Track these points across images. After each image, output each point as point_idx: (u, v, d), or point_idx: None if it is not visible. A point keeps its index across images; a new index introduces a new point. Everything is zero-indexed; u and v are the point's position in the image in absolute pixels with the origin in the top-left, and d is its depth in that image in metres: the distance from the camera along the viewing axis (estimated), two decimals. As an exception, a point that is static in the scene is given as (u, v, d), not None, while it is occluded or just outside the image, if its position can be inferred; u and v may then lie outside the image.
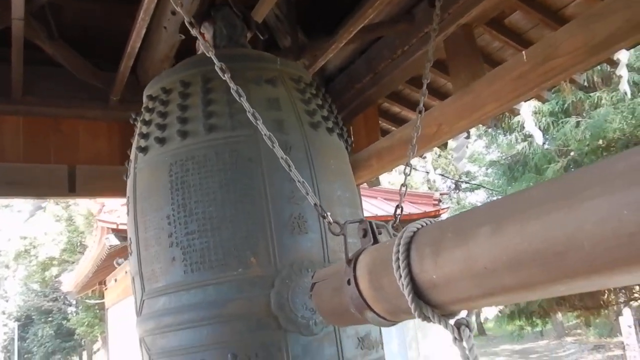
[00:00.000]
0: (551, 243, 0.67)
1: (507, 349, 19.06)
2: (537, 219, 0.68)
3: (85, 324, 28.58)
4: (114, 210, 10.26)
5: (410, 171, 1.40)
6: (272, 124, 1.57)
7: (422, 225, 1.03)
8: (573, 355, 14.93)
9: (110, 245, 10.36)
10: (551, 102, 4.21)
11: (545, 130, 4.45)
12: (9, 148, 2.67)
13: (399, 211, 1.30)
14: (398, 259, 0.99)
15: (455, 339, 0.96)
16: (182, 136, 1.54)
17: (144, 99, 1.79)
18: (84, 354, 35.79)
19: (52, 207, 28.06)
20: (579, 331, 18.02)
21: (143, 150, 1.61)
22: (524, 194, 0.73)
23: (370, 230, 1.16)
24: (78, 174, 2.74)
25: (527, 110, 2.46)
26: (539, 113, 4.43)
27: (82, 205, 25.25)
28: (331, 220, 1.17)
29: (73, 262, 26.50)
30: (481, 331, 25.42)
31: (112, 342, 17.14)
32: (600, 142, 3.77)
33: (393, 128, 3.33)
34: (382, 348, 1.66)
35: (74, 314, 31.56)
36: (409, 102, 3.29)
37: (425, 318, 0.98)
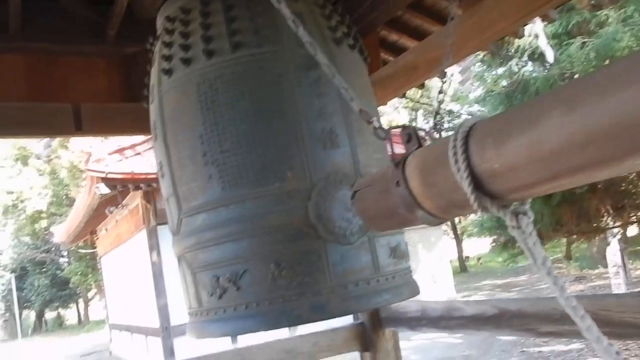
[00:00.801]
0: (632, 116, 0.71)
1: (489, 284, 19.75)
2: (619, 92, 0.72)
3: (79, 273, 28.94)
4: (102, 159, 10.19)
5: (446, 78, 1.43)
6: (297, 40, 1.58)
7: (477, 120, 1.08)
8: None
9: (100, 194, 10.36)
10: (554, 24, 4.18)
11: (547, 54, 4.45)
12: (11, 87, 2.63)
13: (437, 117, 1.34)
14: (455, 152, 1.04)
15: (513, 227, 1.01)
16: (207, 55, 1.54)
17: (160, 22, 1.77)
18: (80, 301, 36.47)
19: (35, 161, 27.76)
20: (560, 265, 18.65)
21: (167, 72, 1.61)
22: (602, 72, 0.77)
23: (415, 135, 1.21)
24: (83, 111, 2.72)
25: (540, 27, 2.46)
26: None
27: (64, 158, 25.05)
28: (377, 125, 1.20)
29: (61, 215, 26.54)
30: (463, 268, 26.24)
31: (108, 289, 17.42)
32: (607, 62, 3.77)
33: (391, 58, 3.31)
34: (409, 260, 1.73)
35: (67, 264, 31.92)
36: (409, 29, 3.26)
37: (484, 209, 1.03)
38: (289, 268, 1.44)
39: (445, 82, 1.48)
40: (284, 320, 1.45)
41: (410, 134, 1.20)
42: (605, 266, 15.66)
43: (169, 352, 10.55)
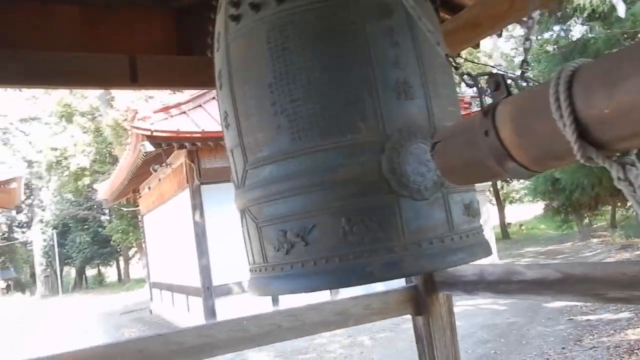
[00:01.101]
0: None
1: (532, 251, 19.49)
2: None
3: (120, 231, 29.81)
4: (147, 117, 10.31)
5: (533, 24, 1.33)
6: (372, -15, 1.49)
7: (580, 64, 0.99)
8: (600, 255, 15.21)
9: (145, 152, 10.52)
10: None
11: (608, 14, 4.20)
12: (67, 38, 2.62)
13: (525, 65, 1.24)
14: (558, 97, 0.95)
15: (619, 178, 0.93)
16: (278, 0, 1.46)
17: None
18: (121, 259, 37.68)
19: (79, 119, 28.41)
20: (604, 233, 18.23)
21: (235, 18, 1.54)
22: None
23: (504, 82, 1.12)
24: (139, 63, 2.69)
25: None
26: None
27: (109, 116, 25.52)
28: (464, 72, 1.12)
29: (104, 172, 27.23)
30: (505, 235, 25.95)
31: (149, 247, 17.91)
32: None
33: (447, 16, 3.15)
34: (480, 219, 1.66)
35: (109, 222, 32.90)
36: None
37: (588, 159, 0.95)
38: (361, 223, 1.39)
39: (530, 29, 1.37)
40: (354, 277, 1.40)
41: (498, 82, 1.11)
42: (654, 234, 15.24)
43: (210, 312, 10.82)
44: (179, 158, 11.70)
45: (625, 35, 4.01)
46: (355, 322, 3.12)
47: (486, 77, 1.14)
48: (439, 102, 1.51)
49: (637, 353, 6.15)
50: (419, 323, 3.24)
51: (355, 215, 1.39)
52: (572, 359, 6.40)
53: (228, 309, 11.02)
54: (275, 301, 11.55)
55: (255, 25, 1.50)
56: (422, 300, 3.15)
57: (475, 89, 1.16)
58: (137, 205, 19.87)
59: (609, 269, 2.35)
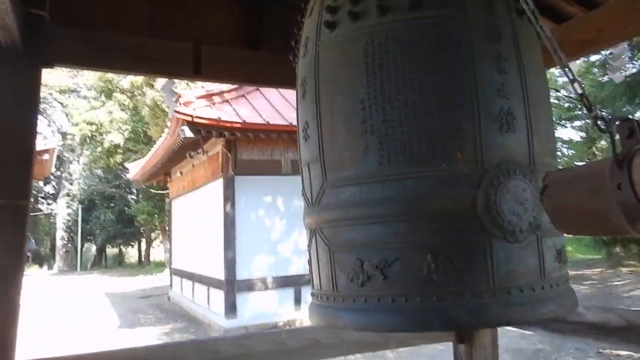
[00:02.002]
0: None
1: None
2: None
3: (146, 212, 30.08)
4: (190, 102, 10.33)
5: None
6: (482, 5, 1.37)
7: None
8: (629, 285, 14.78)
9: (184, 137, 10.54)
10: None
11: None
12: (132, 20, 2.56)
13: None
14: None
15: None
16: (380, 11, 1.36)
17: None
18: (143, 241, 37.99)
19: (118, 95, 28.75)
20: (633, 263, 17.72)
21: (330, 25, 1.44)
22: None
23: (638, 130, 1.00)
24: (203, 54, 2.62)
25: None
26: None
27: (148, 96, 25.79)
28: (599, 115, 1.00)
29: (137, 152, 27.53)
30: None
31: (174, 233, 18.02)
32: None
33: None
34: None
35: (135, 202, 33.25)
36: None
37: None
38: (448, 262, 1.27)
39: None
40: (435, 321, 1.29)
41: (632, 128, 0.99)
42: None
43: (231, 307, 10.78)
44: (216, 146, 11.70)
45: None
46: (396, 345, 3.01)
47: (618, 121, 1.02)
48: (539, 138, 1.39)
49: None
50: (461, 351, 3.12)
51: (443, 253, 1.28)
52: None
53: (249, 305, 11.01)
54: (297, 304, 11.51)
55: (352, 35, 1.40)
56: (467, 328, 3.02)
57: (605, 134, 1.04)
58: (167, 189, 20.03)
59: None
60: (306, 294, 11.66)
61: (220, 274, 11.12)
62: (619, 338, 2.37)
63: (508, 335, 9.27)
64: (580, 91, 1.00)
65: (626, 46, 2.45)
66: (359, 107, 1.36)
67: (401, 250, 1.31)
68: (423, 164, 1.30)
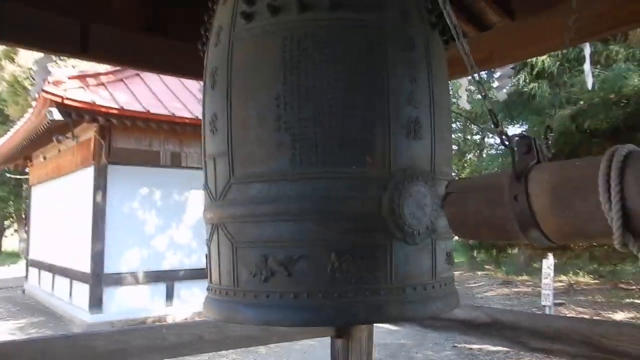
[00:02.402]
0: None
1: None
2: None
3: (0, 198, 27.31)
4: (60, 82, 9.58)
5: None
6: (399, 15, 1.43)
7: (632, 149, 0.99)
8: (484, 287, 16.18)
9: (51, 119, 9.77)
10: (570, 50, 4.20)
11: (558, 76, 4.48)
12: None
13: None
14: (609, 182, 0.94)
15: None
16: (301, 8, 1.36)
17: None
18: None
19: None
20: (489, 267, 19.41)
21: (247, 17, 1.41)
22: None
23: (535, 147, 1.10)
24: (92, 32, 2.46)
25: (588, 51, 2.43)
26: (554, 57, 4.42)
27: (7, 70, 23.50)
28: (503, 130, 1.09)
29: (-8, 131, 24.96)
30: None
31: (34, 221, 16.62)
32: (612, 95, 3.82)
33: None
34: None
35: (-13, 186, 30.11)
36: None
37: (624, 246, 0.95)
38: (351, 261, 1.31)
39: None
40: (336, 317, 1.32)
41: (530, 145, 1.09)
42: (529, 274, 16.47)
43: (97, 301, 10.18)
44: (88, 132, 10.98)
45: (571, 99, 4.31)
46: (279, 339, 3.04)
47: (517, 138, 1.12)
48: (441, 146, 1.47)
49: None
50: (338, 346, 3.22)
51: (347, 252, 1.31)
52: (456, 389, 6.68)
53: (117, 300, 10.47)
54: (169, 299, 11.15)
55: (271, 29, 1.39)
56: (363, 324, 3.13)
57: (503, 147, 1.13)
58: (26, 174, 18.43)
59: (537, 320, 2.44)
60: (179, 289, 11.34)
61: (85, 266, 10.45)
62: (483, 333, 2.59)
63: (376, 331, 9.73)
64: (490, 107, 1.08)
65: (511, 68, 2.69)
66: (274, 104, 1.36)
67: (307, 248, 1.33)
68: (334, 165, 1.33)
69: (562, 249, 5.59)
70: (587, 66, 2.50)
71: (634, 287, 13.07)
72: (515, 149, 1.07)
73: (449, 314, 2.72)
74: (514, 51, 2.48)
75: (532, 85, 4.54)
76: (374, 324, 3.34)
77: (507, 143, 1.08)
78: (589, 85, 2.85)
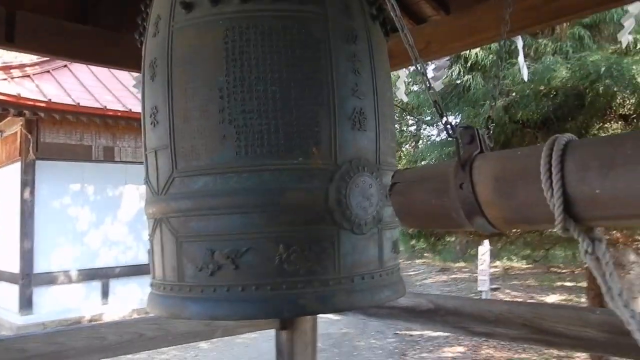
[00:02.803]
0: None
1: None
2: None
3: None
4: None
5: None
6: (341, 7, 1.44)
7: (571, 138, 1.03)
8: (422, 274, 16.63)
9: (-22, 114, 9.19)
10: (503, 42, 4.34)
11: (489, 69, 4.63)
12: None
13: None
14: (550, 170, 0.98)
15: (587, 252, 0.97)
16: (242, -1, 1.34)
17: None
18: None
19: None
20: (427, 255, 19.96)
21: (187, 6, 1.38)
22: None
23: (479, 137, 1.14)
24: (18, 20, 2.34)
25: (520, 44, 2.52)
26: (486, 50, 4.57)
27: None
28: (448, 121, 1.11)
29: None
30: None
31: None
32: (543, 87, 4.00)
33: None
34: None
35: None
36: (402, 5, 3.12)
37: (565, 231, 0.99)
38: (299, 252, 1.31)
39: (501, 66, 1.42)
40: (285, 309, 1.32)
41: (473, 135, 1.13)
42: (466, 261, 17.07)
43: (27, 302, 9.70)
44: (13, 126, 10.41)
45: (502, 91, 4.49)
46: (223, 334, 3.00)
47: (461, 128, 1.15)
48: (385, 137, 1.49)
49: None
50: (282, 338, 3.23)
51: (294, 244, 1.31)
52: (398, 374, 6.84)
53: (49, 300, 10.03)
54: (104, 297, 10.80)
55: (212, 19, 1.36)
56: (311, 314, 3.15)
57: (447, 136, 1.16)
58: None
59: (479, 305, 2.53)
60: (115, 287, 11.00)
61: (14, 266, 9.93)
62: (426, 319, 2.65)
63: (319, 321, 9.81)
64: (434, 98, 1.10)
65: (447, 60, 2.76)
66: (217, 95, 1.33)
67: (254, 240, 1.32)
68: (280, 156, 1.32)
69: (498, 236, 5.82)
70: (520, 59, 2.61)
71: (564, 271, 13.81)
72: (459, 139, 1.10)
73: (392, 302, 2.78)
74: (450, 43, 2.54)
75: (466, 77, 4.70)
76: (318, 315, 3.37)
77: (451, 133, 1.10)
78: (525, 77, 2.97)
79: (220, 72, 1.33)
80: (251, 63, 1.33)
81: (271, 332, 3.14)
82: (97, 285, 10.78)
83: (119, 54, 2.60)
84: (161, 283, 1.46)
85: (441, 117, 1.10)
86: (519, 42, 2.57)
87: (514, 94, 4.39)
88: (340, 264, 1.36)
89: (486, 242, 9.73)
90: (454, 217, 1.12)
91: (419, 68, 1.09)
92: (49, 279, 10.06)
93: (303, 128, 1.34)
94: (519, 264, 16.31)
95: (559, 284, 12.77)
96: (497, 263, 15.85)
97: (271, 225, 1.32)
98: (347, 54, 1.41)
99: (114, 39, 2.57)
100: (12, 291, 10.08)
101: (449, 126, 1.10)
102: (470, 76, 4.68)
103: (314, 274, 1.32)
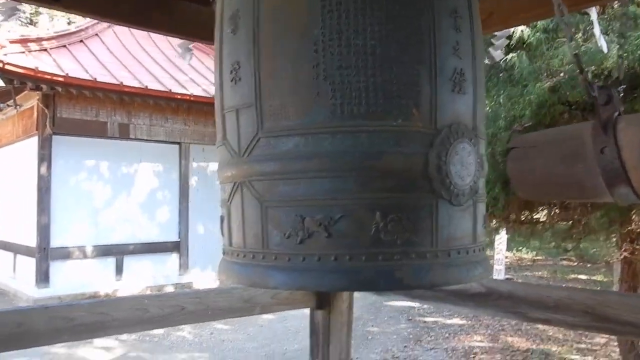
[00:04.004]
0: None
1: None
2: None
3: None
4: (1, 45, 8.95)
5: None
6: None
7: None
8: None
9: (-10, 86, 9.13)
10: (547, 20, 4.20)
11: (536, 47, 4.48)
12: None
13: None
14: None
15: None
16: (340, -57, 1.23)
17: None
18: None
19: None
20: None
21: (280, -48, 1.28)
22: None
23: (616, 97, 1.03)
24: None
25: (595, 16, 2.40)
26: (532, 27, 4.42)
27: None
28: (587, 77, 1.01)
29: None
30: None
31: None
32: (594, 68, 3.85)
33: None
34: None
35: None
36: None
37: None
38: (397, 221, 1.22)
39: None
40: (381, 282, 1.22)
41: (610, 96, 1.02)
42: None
43: (43, 276, 9.72)
44: (30, 100, 10.34)
45: (550, 70, 4.32)
46: (261, 311, 2.95)
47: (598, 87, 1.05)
48: (481, 101, 1.39)
49: (472, 358, 6.70)
50: (318, 317, 3.18)
51: (392, 212, 1.22)
52: (415, 358, 6.79)
53: (65, 274, 10.05)
54: (118, 273, 10.81)
55: (306, -34, 1.25)
56: (326, 295, 3.09)
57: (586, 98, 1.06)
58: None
59: (536, 290, 2.43)
60: (129, 263, 11.00)
61: (31, 240, 9.94)
62: (476, 303, 2.57)
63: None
64: (574, 52, 1.00)
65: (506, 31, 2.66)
66: (311, 49, 1.23)
67: (348, 207, 1.22)
68: (378, 117, 1.22)
69: (520, 223, 5.71)
70: (597, 29, 2.48)
71: (576, 263, 13.71)
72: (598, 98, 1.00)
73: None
74: (514, 15, 2.42)
75: (510, 55, 4.54)
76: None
77: (591, 91, 1.00)
78: (604, 49, 2.84)
79: (316, 24, 1.23)
80: (349, 15, 1.22)
81: (284, 314, 3.09)
82: (111, 261, 10.79)
83: (167, 19, 2.51)
84: (240, 251, 1.37)
85: (581, 72, 1.00)
86: (593, 14, 2.44)
87: (561, 74, 4.25)
88: (437, 237, 1.26)
89: (503, 232, 9.63)
90: (587, 187, 1.02)
91: (563, 20, 0.98)
92: (65, 254, 10.07)
93: (403, 87, 1.23)
94: (529, 255, 16.22)
95: (572, 276, 12.68)
96: (508, 254, 15.77)
97: (367, 191, 1.22)
98: (449, 8, 1.30)
99: (163, 3, 2.48)
100: (29, 264, 10.11)
101: (588, 84, 1.00)
102: (514, 54, 4.53)
103: (411, 245, 1.23)
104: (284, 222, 1.26)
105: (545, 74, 4.37)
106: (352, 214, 1.22)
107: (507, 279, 11.21)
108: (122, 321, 2.40)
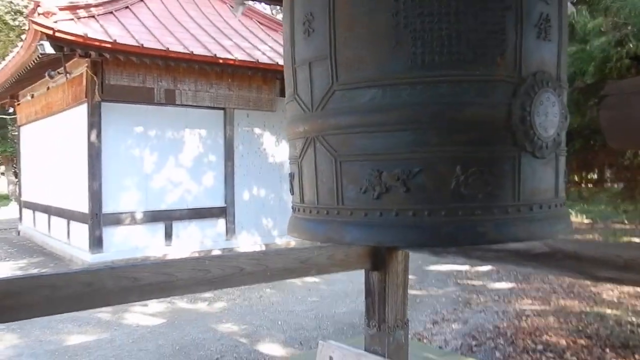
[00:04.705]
0: None
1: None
2: None
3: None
4: (51, 13, 9.10)
5: None
6: None
7: None
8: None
9: (42, 53, 9.32)
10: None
11: (599, 2, 4.24)
12: None
13: None
14: None
15: None
16: None
17: None
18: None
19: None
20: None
21: None
22: None
23: None
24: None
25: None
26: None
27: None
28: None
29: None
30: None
31: (24, 162, 16.26)
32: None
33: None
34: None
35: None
36: None
37: None
38: (479, 175, 1.18)
39: None
40: (462, 236, 1.19)
41: None
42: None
43: (97, 241, 10.05)
44: (79, 68, 10.53)
45: (614, 23, 4.08)
46: (318, 272, 2.97)
47: None
48: (564, 49, 1.32)
49: (524, 319, 6.64)
50: (373, 278, 3.18)
51: (473, 165, 1.18)
52: (465, 320, 6.78)
53: (117, 240, 10.38)
54: (167, 239, 11.09)
55: None
56: (382, 256, 3.08)
57: None
58: (11, 114, 17.89)
59: (604, 249, 2.35)
60: (177, 229, 11.27)
61: (84, 207, 10.26)
62: (540, 263, 2.50)
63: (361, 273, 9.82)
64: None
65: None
66: (390, -4, 1.18)
67: (427, 160, 1.19)
68: (461, 66, 1.17)
69: (575, 185, 5.51)
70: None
71: (628, 227, 13.28)
72: None
73: (500, 245, 2.64)
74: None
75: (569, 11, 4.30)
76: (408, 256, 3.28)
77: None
78: None
79: (394, -31, 1.18)
80: (431, -43, 1.16)
81: (332, 278, 3.08)
82: (160, 227, 11.06)
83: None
84: (313, 207, 1.36)
85: None
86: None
87: (629, 27, 4.02)
88: (519, 190, 1.22)
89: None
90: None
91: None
92: (116, 220, 10.37)
93: (488, 35, 1.17)
94: (577, 219, 15.77)
95: (625, 239, 12.30)
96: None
97: (447, 144, 1.18)
98: (534, -52, 1.22)
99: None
100: (82, 230, 10.47)
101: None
102: (574, 10, 4.29)
103: (493, 199, 1.19)
104: (360, 176, 1.24)
105: (611, 27, 4.14)
106: (432, 167, 1.18)
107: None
108: (186, 281, 2.45)
